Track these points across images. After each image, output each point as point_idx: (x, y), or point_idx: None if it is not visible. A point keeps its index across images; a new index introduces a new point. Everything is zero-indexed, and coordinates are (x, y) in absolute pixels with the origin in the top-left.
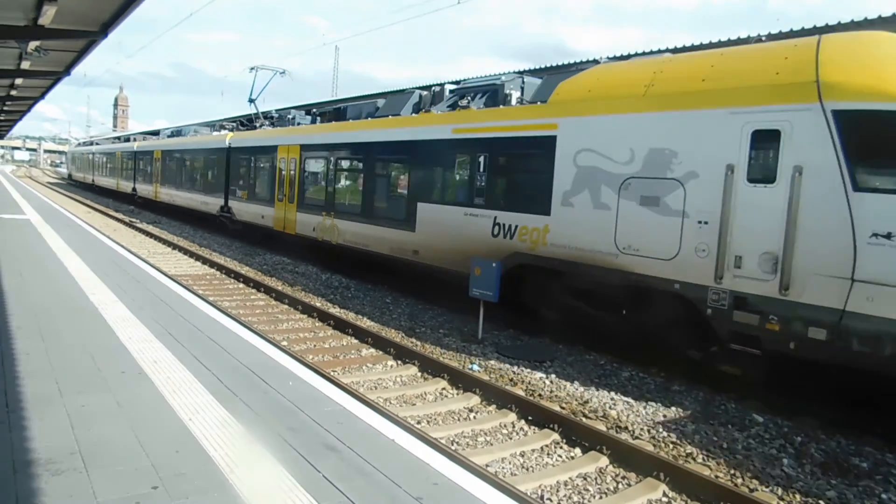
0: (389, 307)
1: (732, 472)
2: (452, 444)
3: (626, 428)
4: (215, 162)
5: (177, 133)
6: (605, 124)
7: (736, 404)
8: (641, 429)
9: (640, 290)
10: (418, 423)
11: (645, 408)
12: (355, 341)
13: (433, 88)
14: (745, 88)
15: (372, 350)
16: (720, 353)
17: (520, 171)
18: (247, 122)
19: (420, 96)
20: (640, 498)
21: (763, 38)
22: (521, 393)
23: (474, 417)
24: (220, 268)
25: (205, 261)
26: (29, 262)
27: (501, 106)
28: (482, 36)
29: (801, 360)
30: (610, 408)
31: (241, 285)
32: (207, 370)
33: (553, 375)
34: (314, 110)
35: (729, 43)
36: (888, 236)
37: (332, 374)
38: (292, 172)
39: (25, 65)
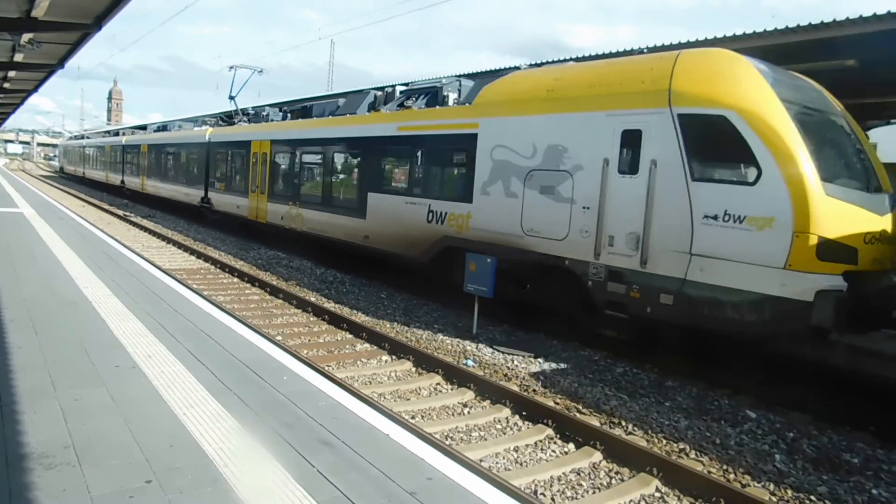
0: (384, 302)
1: (725, 467)
2: (446, 439)
3: (620, 423)
4: (196, 155)
5: (162, 128)
6: (515, 124)
7: (729, 400)
8: (635, 424)
9: (540, 267)
10: (413, 417)
11: (639, 403)
12: (350, 336)
13: (386, 89)
14: (619, 94)
15: (367, 345)
16: (602, 319)
17: (448, 165)
18: (226, 119)
19: (375, 96)
20: (633, 493)
21: (644, 51)
22: (516, 388)
23: (468, 412)
24: (214, 262)
25: (199, 255)
26: (22, 256)
27: (438, 107)
28: (478, 31)
29: (655, 322)
30: (604, 403)
31: (236, 280)
32: (202, 365)
33: (547, 371)
34: (285, 108)
35: (622, 54)
36: (714, 217)
37: (326, 368)
38: (264, 166)
39: (19, 57)
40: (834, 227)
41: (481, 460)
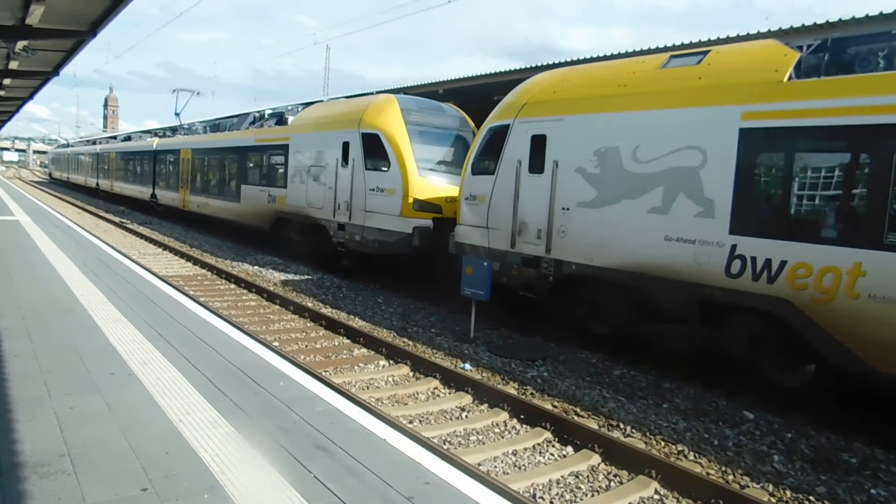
0: (381, 307)
1: (724, 468)
2: (444, 444)
3: (618, 426)
4: (147, 161)
5: (127, 139)
6: (304, 138)
7: (727, 401)
8: (633, 426)
9: (314, 225)
10: (410, 422)
11: (637, 405)
12: (347, 341)
13: (264, 111)
14: (343, 121)
15: (364, 350)
16: (339, 254)
17: (276, 164)
18: (172, 132)
19: (254, 117)
20: (632, 495)
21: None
22: (513, 392)
23: (466, 416)
24: (211, 268)
25: (196, 261)
26: (18, 263)
27: (276, 125)
28: (472, 35)
29: (355, 251)
30: (602, 406)
31: (233, 286)
32: (198, 371)
33: (545, 374)
34: (206, 124)
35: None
36: (373, 189)
37: (323, 374)
38: (187, 167)
39: (13, 65)
40: (425, 193)
41: (480, 464)
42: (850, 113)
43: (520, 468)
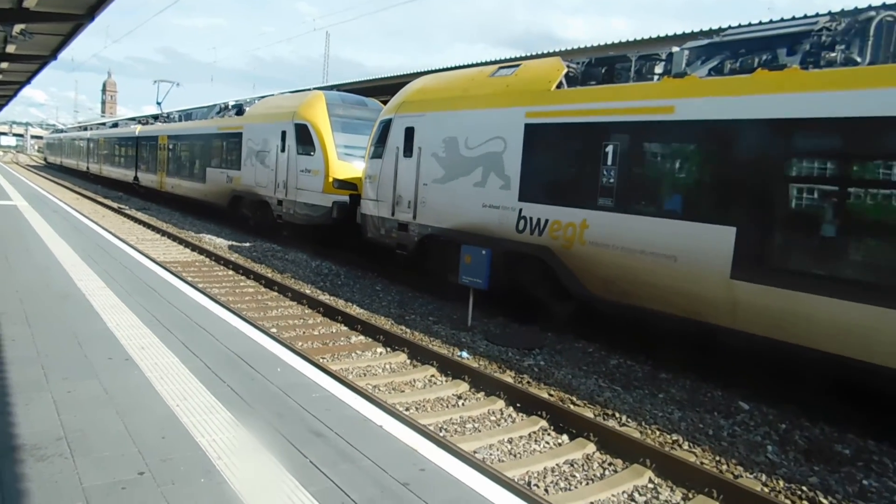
0: (379, 294)
1: (718, 458)
2: (441, 431)
3: (614, 415)
4: (130, 146)
5: (114, 125)
6: (253, 128)
7: (722, 392)
8: (628, 416)
9: (261, 202)
10: (407, 409)
11: (632, 395)
12: (345, 328)
13: (228, 103)
14: (282, 115)
15: (361, 337)
16: (278, 225)
17: (233, 150)
18: (153, 120)
19: (220, 107)
20: (626, 484)
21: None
22: (510, 380)
23: (463, 404)
24: (209, 254)
25: (194, 247)
26: (15, 248)
27: (235, 116)
28: (473, 23)
29: (288, 223)
30: (597, 395)
31: (231, 272)
32: (195, 356)
33: (542, 363)
34: (181, 113)
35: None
36: (304, 171)
37: (321, 360)
38: (164, 152)
39: (11, 48)
40: (343, 174)
41: (475, 452)
42: (580, 114)
43: (515, 456)
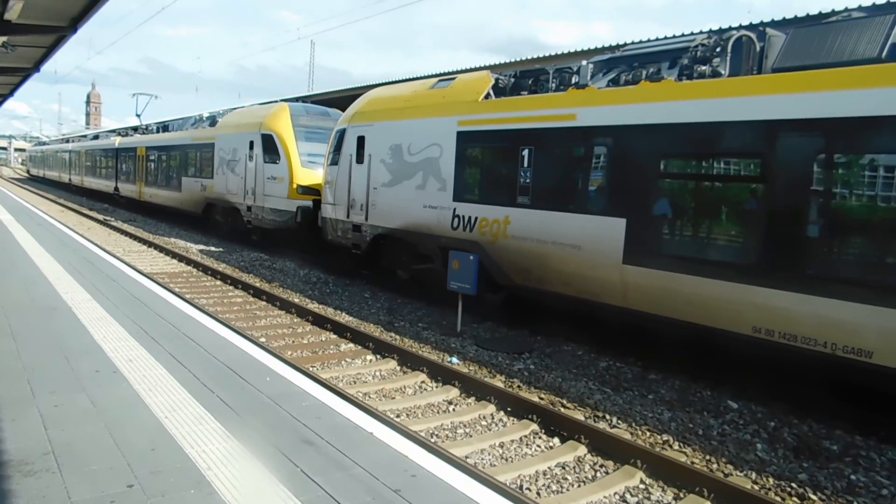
0: (368, 302)
1: (708, 457)
2: (432, 437)
3: (604, 417)
4: (111, 158)
5: (95, 137)
6: (225, 138)
7: (711, 391)
8: (619, 417)
9: (232, 209)
10: (397, 416)
11: (622, 397)
12: (334, 336)
13: (202, 115)
14: (251, 124)
15: (351, 345)
16: (248, 230)
17: (206, 159)
18: (132, 131)
19: (195, 119)
20: (617, 485)
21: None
22: (500, 384)
23: (453, 410)
24: (196, 265)
25: (181, 258)
26: (0, 262)
27: (208, 127)
28: (455, 30)
29: (258, 227)
30: (588, 397)
31: (219, 282)
32: (184, 368)
33: (532, 366)
34: (159, 125)
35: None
36: (270, 178)
37: (310, 369)
38: (142, 163)
39: None
40: (307, 180)
41: (467, 457)
42: (501, 122)
43: (507, 460)
